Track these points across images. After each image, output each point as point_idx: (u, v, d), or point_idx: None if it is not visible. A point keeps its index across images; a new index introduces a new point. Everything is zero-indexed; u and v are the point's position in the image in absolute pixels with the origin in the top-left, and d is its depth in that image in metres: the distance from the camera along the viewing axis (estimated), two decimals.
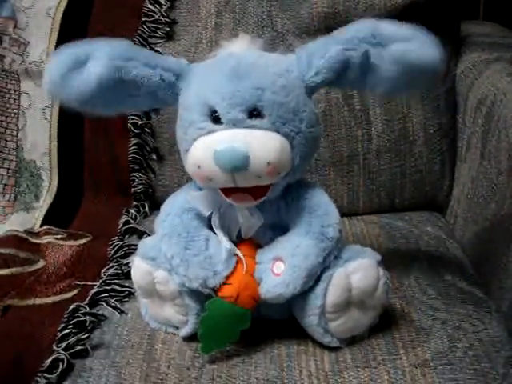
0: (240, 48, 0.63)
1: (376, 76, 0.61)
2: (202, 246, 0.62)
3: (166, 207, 0.66)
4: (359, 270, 0.62)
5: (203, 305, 0.64)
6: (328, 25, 0.92)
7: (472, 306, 0.71)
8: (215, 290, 0.62)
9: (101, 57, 0.60)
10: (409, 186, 0.94)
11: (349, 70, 0.62)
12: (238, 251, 0.63)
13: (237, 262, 0.63)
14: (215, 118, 0.59)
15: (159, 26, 0.96)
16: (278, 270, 0.62)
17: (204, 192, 0.63)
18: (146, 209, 0.95)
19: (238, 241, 0.64)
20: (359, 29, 0.62)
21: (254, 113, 0.58)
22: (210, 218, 0.64)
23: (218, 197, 0.62)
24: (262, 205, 0.63)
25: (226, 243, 0.62)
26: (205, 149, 0.58)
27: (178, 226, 0.64)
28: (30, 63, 0.98)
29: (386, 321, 0.67)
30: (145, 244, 0.67)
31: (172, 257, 0.63)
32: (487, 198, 0.79)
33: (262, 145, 0.58)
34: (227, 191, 0.60)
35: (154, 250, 0.65)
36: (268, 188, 0.61)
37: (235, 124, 0.58)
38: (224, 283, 0.62)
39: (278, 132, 0.59)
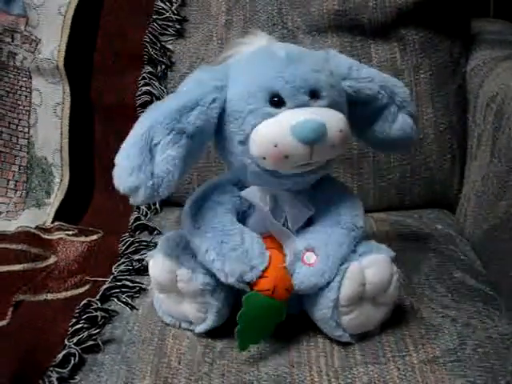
0: (265, 43, 0.65)
1: (374, 128, 0.69)
2: (238, 241, 0.62)
3: (195, 200, 0.65)
4: (374, 265, 0.63)
5: (224, 303, 0.65)
6: (338, 22, 0.92)
7: (481, 303, 0.71)
8: (250, 285, 0.62)
9: (161, 137, 0.58)
10: (419, 184, 0.94)
11: (364, 106, 0.68)
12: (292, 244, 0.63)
13: (270, 256, 0.63)
14: (277, 102, 0.60)
15: (170, 24, 0.96)
16: (309, 260, 0.63)
17: (256, 187, 0.64)
18: (157, 205, 0.95)
19: (262, 234, 0.64)
20: (396, 84, 0.69)
21: (314, 94, 0.60)
22: (238, 212, 0.65)
23: (265, 190, 0.63)
24: (299, 196, 0.64)
25: (286, 235, 0.63)
26: (280, 126, 0.59)
27: (211, 219, 0.63)
28: (41, 60, 0.98)
29: (396, 317, 0.67)
30: (167, 241, 0.66)
31: (206, 251, 0.62)
32: (497, 195, 0.79)
33: (332, 115, 0.60)
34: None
35: (178, 247, 0.65)
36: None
37: (299, 106, 0.60)
38: (260, 277, 0.62)
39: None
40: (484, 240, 0.82)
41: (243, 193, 0.64)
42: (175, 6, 0.96)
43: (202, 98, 0.61)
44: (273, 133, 0.59)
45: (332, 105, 0.61)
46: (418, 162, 0.94)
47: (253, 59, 0.64)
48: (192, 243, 0.64)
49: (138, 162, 0.58)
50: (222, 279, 0.62)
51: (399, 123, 0.69)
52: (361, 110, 0.67)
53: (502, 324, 0.67)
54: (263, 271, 0.62)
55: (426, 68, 0.94)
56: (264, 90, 0.60)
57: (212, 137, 0.64)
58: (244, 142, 0.61)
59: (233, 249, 0.62)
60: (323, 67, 0.63)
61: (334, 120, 0.60)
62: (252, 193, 0.64)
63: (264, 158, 0.60)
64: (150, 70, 0.95)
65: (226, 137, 0.63)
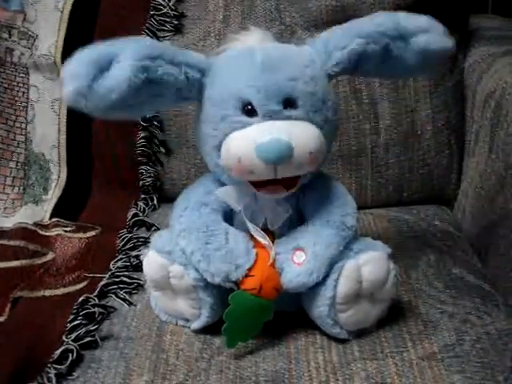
0: (256, 41, 0.64)
1: (395, 65, 0.65)
2: (223, 241, 0.63)
3: (181, 202, 0.66)
4: (370, 263, 0.63)
5: (217, 299, 0.64)
6: (336, 18, 0.92)
7: (479, 299, 0.71)
8: (237, 284, 0.62)
9: (126, 59, 0.57)
10: (417, 180, 0.94)
11: (367, 60, 0.64)
12: (270, 244, 0.63)
13: (256, 254, 0.63)
14: (249, 111, 0.59)
15: (167, 20, 0.96)
16: (298, 260, 0.62)
17: (232, 187, 0.64)
18: (155, 202, 0.96)
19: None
20: (380, 23, 0.64)
21: (289, 103, 0.59)
22: (225, 211, 0.65)
23: (244, 190, 0.63)
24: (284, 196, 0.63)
25: (259, 236, 0.63)
26: (245, 142, 0.58)
27: (196, 220, 0.64)
28: (38, 56, 0.98)
29: (394, 313, 0.67)
30: (160, 238, 0.67)
31: (192, 252, 0.62)
32: (495, 191, 0.79)
33: (303, 134, 0.59)
34: (258, 184, 0.60)
35: (170, 244, 0.65)
36: (299, 178, 0.61)
37: (271, 116, 0.59)
38: (246, 276, 0.62)
39: (311, 121, 0.60)
40: (482, 236, 0.82)
41: (217, 191, 0.64)
42: (173, 1, 0.96)
43: (186, 63, 0.60)
44: (238, 149, 0.59)
45: (309, 113, 0.60)
46: (416, 158, 0.94)
47: (231, 62, 0.63)
48: (179, 245, 0.64)
49: (95, 58, 0.57)
50: (209, 279, 0.63)
51: (413, 50, 0.64)
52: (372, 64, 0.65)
53: (499, 320, 0.67)
54: (249, 270, 0.62)
55: None
56: (236, 98, 0.60)
57: (171, 102, 0.64)
58: (217, 147, 0.61)
59: (217, 249, 0.62)
60: (302, 73, 0.61)
61: (303, 140, 0.58)
62: (227, 192, 0.64)
63: (230, 170, 0.60)
64: None
65: (202, 137, 0.63)
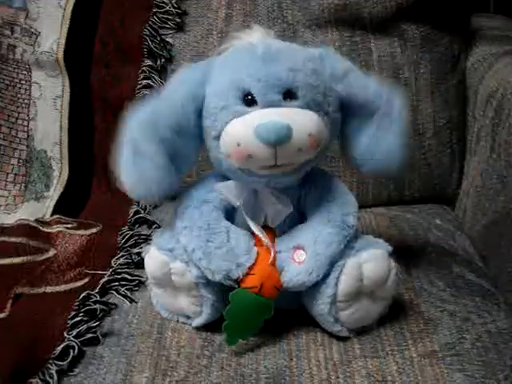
0: (258, 39, 0.63)
1: (364, 140, 0.66)
2: (224, 239, 0.63)
3: (183, 199, 0.66)
4: (371, 261, 0.63)
5: (219, 296, 0.64)
6: (338, 17, 0.92)
7: (480, 297, 0.71)
8: (238, 282, 0.63)
9: (147, 150, 0.61)
10: (418, 179, 0.94)
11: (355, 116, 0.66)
12: (268, 242, 0.63)
13: (257, 253, 0.63)
14: (249, 101, 0.59)
15: (170, 17, 0.96)
16: (299, 258, 0.62)
17: (233, 182, 0.64)
18: None
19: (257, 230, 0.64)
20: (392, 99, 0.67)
21: (289, 95, 0.59)
22: (227, 209, 0.65)
23: (244, 186, 0.63)
24: (285, 194, 0.63)
25: (258, 232, 0.63)
26: (245, 125, 0.58)
27: (197, 218, 0.63)
28: (41, 53, 0.98)
29: (395, 312, 0.67)
30: (162, 234, 0.67)
31: (193, 250, 0.62)
32: (496, 190, 0.79)
33: (302, 117, 0.59)
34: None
35: (172, 241, 0.65)
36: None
37: (271, 105, 0.59)
38: (247, 274, 0.62)
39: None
40: (483, 235, 0.82)
41: (216, 186, 0.64)
42: None
43: (178, 99, 0.62)
44: (237, 132, 0.59)
45: (310, 105, 0.60)
46: (418, 157, 0.94)
47: (232, 56, 0.63)
48: (181, 242, 0.64)
49: (135, 176, 0.63)
50: (210, 277, 0.63)
51: (387, 143, 0.67)
52: (350, 120, 0.66)
53: (500, 318, 0.67)
54: (250, 268, 0.62)
55: (426, 63, 0.94)
56: (236, 88, 0.60)
57: (198, 128, 0.64)
58: (217, 137, 0.61)
59: (218, 247, 0.62)
60: (304, 66, 0.61)
61: (303, 122, 0.59)
62: (227, 187, 0.64)
63: (229, 156, 0.60)
64: (150, 63, 0.95)
65: (204, 132, 0.63)
